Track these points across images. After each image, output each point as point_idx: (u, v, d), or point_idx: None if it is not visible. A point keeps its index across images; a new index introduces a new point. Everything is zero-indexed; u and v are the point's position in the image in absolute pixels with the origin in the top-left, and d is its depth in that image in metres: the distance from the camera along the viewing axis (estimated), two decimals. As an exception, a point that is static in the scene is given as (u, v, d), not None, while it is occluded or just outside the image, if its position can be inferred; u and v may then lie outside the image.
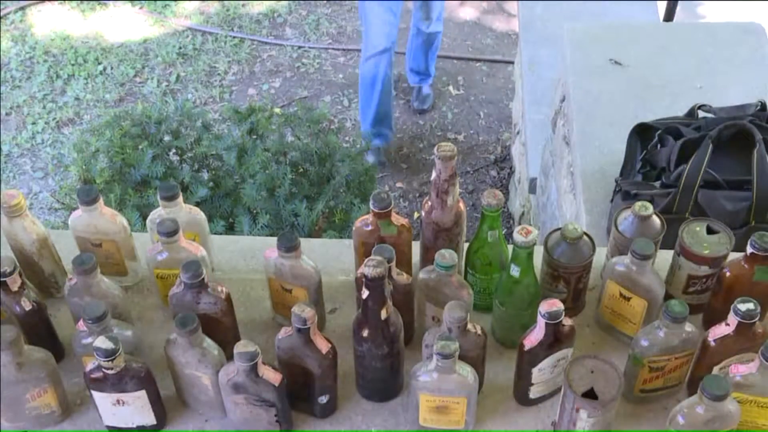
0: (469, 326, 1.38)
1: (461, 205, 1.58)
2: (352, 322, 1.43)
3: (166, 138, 2.88)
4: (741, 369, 1.34)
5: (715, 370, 1.41)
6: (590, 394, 1.32)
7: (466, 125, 4.13)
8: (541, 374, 1.44)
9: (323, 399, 1.47)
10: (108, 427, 1.48)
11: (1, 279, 1.46)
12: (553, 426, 1.48)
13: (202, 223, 1.68)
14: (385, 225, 1.55)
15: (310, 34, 4.58)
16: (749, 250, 1.46)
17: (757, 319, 1.35)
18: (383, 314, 1.37)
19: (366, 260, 1.34)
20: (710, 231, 1.56)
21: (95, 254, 1.52)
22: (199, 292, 1.45)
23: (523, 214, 3.45)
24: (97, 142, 2.82)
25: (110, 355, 1.31)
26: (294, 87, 4.32)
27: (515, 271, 1.48)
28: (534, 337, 1.38)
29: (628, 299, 1.52)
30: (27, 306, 1.49)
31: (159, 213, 1.62)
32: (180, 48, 4.50)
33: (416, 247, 1.66)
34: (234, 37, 4.56)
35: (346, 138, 3.94)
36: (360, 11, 3.62)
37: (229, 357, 1.37)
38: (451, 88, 4.31)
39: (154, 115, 2.89)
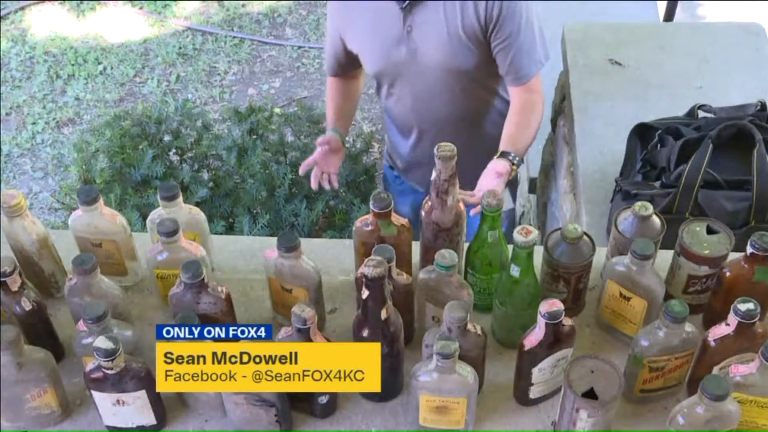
0: (469, 326, 1.38)
1: (461, 205, 1.58)
2: (352, 322, 1.43)
3: (166, 138, 2.88)
4: (741, 369, 1.34)
5: (715, 370, 1.41)
6: (590, 394, 1.32)
7: (466, 125, 4.13)
8: (541, 374, 1.44)
9: (323, 399, 1.47)
10: (108, 427, 1.48)
11: (1, 279, 1.46)
12: (553, 426, 1.48)
13: (202, 223, 1.68)
14: (385, 225, 1.55)
15: (310, 34, 4.58)
16: (749, 250, 1.46)
17: (757, 319, 1.35)
18: (383, 314, 1.37)
19: (366, 260, 1.34)
20: (710, 231, 1.56)
21: (95, 254, 1.52)
22: (199, 292, 1.45)
23: (523, 214, 3.44)
24: (97, 142, 2.83)
25: (110, 355, 1.31)
26: (294, 87, 4.32)
27: (515, 271, 1.48)
28: (534, 337, 1.38)
29: (628, 299, 1.52)
30: (27, 306, 1.49)
31: (159, 213, 1.62)
32: (180, 48, 4.50)
33: (416, 247, 1.66)
34: (234, 37, 4.56)
35: (346, 138, 3.93)
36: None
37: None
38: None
39: (154, 115, 2.90)
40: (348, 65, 2.27)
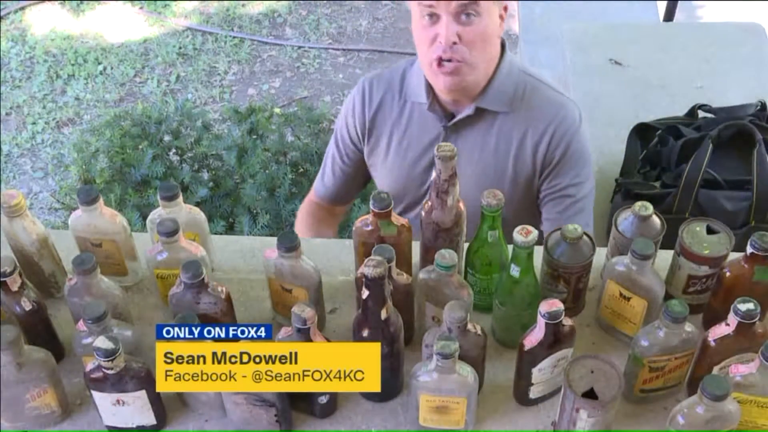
0: (469, 326, 1.38)
1: (461, 205, 1.58)
2: (352, 322, 1.43)
3: (166, 138, 2.89)
4: (741, 369, 1.34)
5: (715, 370, 1.41)
6: (590, 394, 1.32)
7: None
8: (541, 374, 1.44)
9: (323, 399, 1.47)
10: (108, 427, 1.48)
11: (1, 279, 1.45)
12: (553, 426, 1.48)
13: (202, 223, 1.68)
14: (385, 225, 1.55)
15: (310, 34, 4.58)
16: (749, 250, 1.46)
17: (757, 319, 1.35)
18: (383, 314, 1.37)
19: (366, 260, 1.34)
20: (710, 231, 1.56)
21: (95, 254, 1.52)
22: (199, 292, 1.45)
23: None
24: (97, 142, 2.83)
25: (110, 355, 1.31)
26: (294, 87, 4.32)
27: (515, 271, 1.48)
28: (534, 337, 1.38)
29: (628, 299, 1.52)
30: (27, 306, 1.49)
31: (159, 213, 1.62)
32: (180, 48, 4.50)
33: (416, 247, 1.66)
34: (234, 37, 4.56)
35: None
36: None
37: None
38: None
39: (154, 115, 2.90)
40: (350, 188, 1.84)
